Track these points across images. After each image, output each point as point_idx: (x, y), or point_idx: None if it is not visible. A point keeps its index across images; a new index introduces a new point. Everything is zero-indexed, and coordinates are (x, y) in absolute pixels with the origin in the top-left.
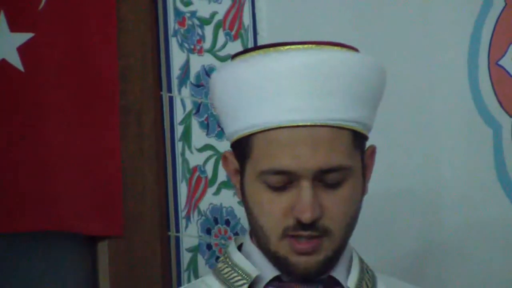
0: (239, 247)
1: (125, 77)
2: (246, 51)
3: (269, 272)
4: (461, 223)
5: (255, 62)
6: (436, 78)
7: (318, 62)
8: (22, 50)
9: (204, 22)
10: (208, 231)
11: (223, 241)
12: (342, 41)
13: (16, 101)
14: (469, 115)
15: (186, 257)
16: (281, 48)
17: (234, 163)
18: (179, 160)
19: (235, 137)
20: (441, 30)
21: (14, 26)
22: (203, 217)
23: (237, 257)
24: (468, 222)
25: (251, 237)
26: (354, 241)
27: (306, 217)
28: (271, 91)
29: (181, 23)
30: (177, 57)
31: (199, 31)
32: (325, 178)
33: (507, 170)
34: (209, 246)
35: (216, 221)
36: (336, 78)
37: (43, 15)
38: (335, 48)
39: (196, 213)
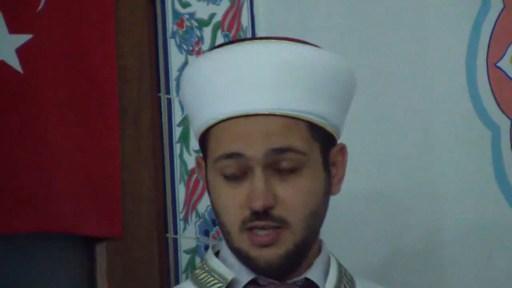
0: (217, 254)
1: (123, 78)
2: (211, 49)
3: (245, 275)
4: (460, 225)
5: (212, 57)
6: (435, 80)
7: (273, 54)
8: (21, 51)
9: (202, 23)
10: (206, 233)
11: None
12: (340, 43)
13: (14, 102)
14: (468, 117)
15: (184, 258)
16: (238, 43)
17: (203, 166)
18: (177, 162)
19: (198, 135)
20: (440, 32)
21: (13, 27)
22: (201, 219)
23: (214, 262)
24: (466, 224)
25: (223, 236)
26: (350, 242)
27: (258, 204)
28: (227, 84)
29: (180, 24)
30: (176, 58)
31: (198, 32)
32: (278, 164)
33: (505, 172)
34: (207, 248)
35: (214, 223)
36: (291, 70)
37: (41, 16)
38: (294, 43)
39: (194, 215)
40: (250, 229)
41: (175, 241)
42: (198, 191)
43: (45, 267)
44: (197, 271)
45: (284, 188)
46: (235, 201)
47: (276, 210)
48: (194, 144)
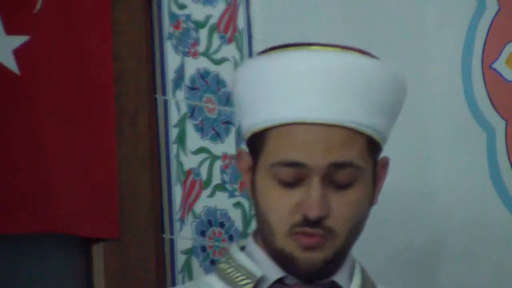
0: (241, 250)
1: (120, 79)
2: (272, 48)
3: (273, 272)
4: (455, 226)
5: (277, 59)
6: (430, 81)
7: (339, 64)
8: (18, 52)
9: (198, 25)
10: (203, 234)
11: (217, 244)
12: (338, 43)
13: (11, 104)
14: (463, 118)
15: (180, 259)
16: (305, 47)
17: (247, 161)
18: (173, 162)
19: (251, 131)
20: (435, 33)
21: (10, 28)
22: (198, 220)
23: (241, 258)
24: (461, 225)
25: (255, 238)
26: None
27: (314, 214)
28: (290, 89)
29: (176, 26)
30: (172, 60)
31: (194, 34)
32: (335, 177)
33: (500, 173)
34: (203, 249)
35: (210, 223)
36: (355, 82)
37: (38, 18)
38: (359, 54)
39: (190, 215)
40: (297, 233)
41: (172, 241)
42: (195, 192)
43: (42, 268)
44: (222, 265)
45: (338, 200)
46: (286, 205)
47: (328, 221)
48: (191, 145)
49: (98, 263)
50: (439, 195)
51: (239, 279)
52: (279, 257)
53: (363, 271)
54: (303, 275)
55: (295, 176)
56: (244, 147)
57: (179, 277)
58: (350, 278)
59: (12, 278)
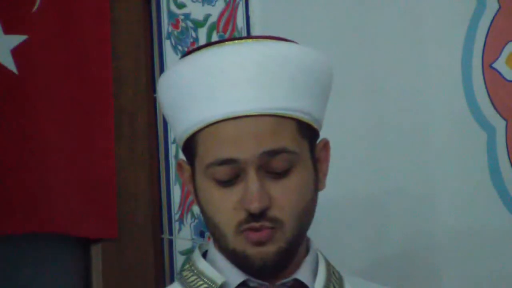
0: (204, 255)
1: (119, 79)
2: (187, 53)
3: (235, 277)
4: (455, 227)
5: (195, 60)
6: (430, 81)
7: (256, 54)
8: (16, 52)
9: (197, 24)
10: (201, 234)
11: None
12: (336, 44)
13: (9, 103)
14: (463, 118)
15: (179, 259)
16: (217, 45)
17: (187, 170)
18: (172, 162)
19: (183, 139)
20: (435, 32)
21: (8, 28)
22: (196, 220)
23: (202, 265)
24: (461, 225)
25: (214, 243)
26: (341, 244)
27: (254, 207)
28: (212, 86)
29: (175, 25)
30: (171, 59)
31: (193, 33)
32: (271, 166)
33: (501, 173)
34: None
35: None
36: (276, 68)
37: (37, 17)
38: (273, 40)
39: (189, 216)
40: (246, 230)
41: (171, 242)
42: None
43: (41, 268)
44: (184, 273)
45: (278, 188)
46: (229, 204)
47: (271, 211)
48: None
49: (97, 263)
50: (439, 195)
51: (201, 287)
52: (233, 258)
53: (327, 265)
54: (258, 271)
55: (231, 173)
56: (183, 157)
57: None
58: (314, 274)
59: (11, 278)
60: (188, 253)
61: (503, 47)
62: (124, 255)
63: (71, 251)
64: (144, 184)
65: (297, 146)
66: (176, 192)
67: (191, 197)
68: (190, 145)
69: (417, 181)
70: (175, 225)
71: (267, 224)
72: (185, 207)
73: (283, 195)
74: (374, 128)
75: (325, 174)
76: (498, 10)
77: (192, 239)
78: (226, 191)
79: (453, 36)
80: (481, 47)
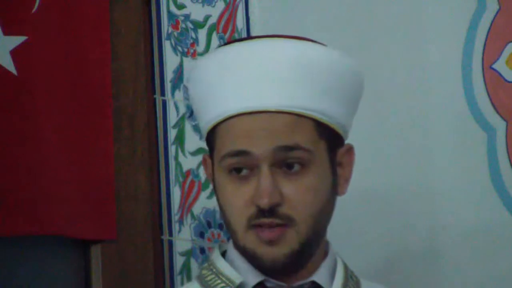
0: (223, 254)
1: (118, 80)
2: (221, 45)
3: (253, 277)
4: (455, 227)
5: (221, 55)
6: (430, 82)
7: (279, 51)
8: (15, 53)
9: (197, 25)
10: (201, 235)
11: (216, 245)
12: (335, 44)
13: (9, 104)
14: (463, 119)
15: (179, 261)
16: (244, 41)
17: (210, 164)
18: (172, 163)
19: (205, 130)
20: (435, 33)
21: (7, 29)
22: (196, 221)
23: (221, 264)
24: (462, 226)
25: (229, 234)
26: (347, 242)
27: (264, 202)
28: (233, 82)
29: (175, 26)
30: (171, 60)
31: (193, 34)
32: (284, 162)
33: (501, 174)
34: (202, 250)
35: (209, 225)
36: (297, 67)
37: (36, 18)
38: (301, 41)
39: (189, 216)
40: (256, 226)
41: (170, 243)
42: (193, 193)
43: (41, 269)
44: (203, 272)
45: (290, 186)
46: (241, 199)
47: (282, 208)
48: (189, 146)
49: (96, 264)
50: (439, 196)
51: (219, 286)
52: (244, 254)
53: (345, 268)
54: (269, 271)
55: (244, 164)
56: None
57: (177, 279)
58: (332, 278)
59: (11, 280)
60: (187, 254)
61: (503, 48)
62: (123, 256)
63: (71, 251)
64: (144, 185)
65: (313, 145)
66: (176, 193)
67: (191, 198)
68: (210, 139)
69: (417, 181)
70: (175, 226)
71: (277, 221)
72: (185, 208)
73: (296, 193)
74: (374, 128)
75: (347, 180)
76: (498, 11)
77: (192, 240)
78: (240, 186)
79: (454, 37)
80: (481, 48)
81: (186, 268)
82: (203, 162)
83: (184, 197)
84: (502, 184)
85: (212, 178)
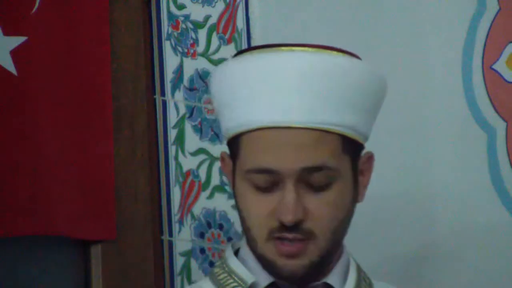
0: (236, 252)
1: (118, 80)
2: (244, 50)
3: (265, 278)
4: (455, 227)
5: (247, 62)
6: (430, 82)
7: (307, 64)
8: (15, 53)
9: (197, 25)
10: (201, 235)
11: (216, 245)
12: (336, 45)
13: (8, 105)
14: (464, 119)
15: (179, 261)
16: (273, 49)
17: (229, 164)
18: (172, 164)
19: (228, 135)
20: (435, 34)
21: (7, 29)
22: (196, 221)
23: (234, 263)
24: (462, 226)
25: (247, 242)
26: (348, 244)
27: (288, 219)
28: (259, 91)
29: (175, 26)
30: (171, 60)
31: (193, 34)
32: (310, 180)
33: (501, 174)
34: (202, 250)
35: (209, 225)
36: (325, 81)
37: (36, 18)
38: (330, 52)
39: (189, 217)
40: (276, 238)
41: (170, 243)
42: (193, 193)
43: (41, 270)
44: (216, 270)
45: (314, 202)
46: (263, 211)
47: (305, 224)
48: (189, 146)
49: (96, 265)
50: (439, 196)
51: (231, 286)
52: (262, 262)
53: (358, 270)
54: (287, 281)
55: (269, 181)
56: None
57: (177, 279)
58: (345, 279)
59: (11, 280)
60: (187, 254)
61: (503, 48)
62: (123, 256)
63: (71, 252)
64: (144, 185)
65: (338, 163)
66: (176, 193)
67: (191, 198)
68: (233, 144)
69: (417, 181)
70: (175, 226)
71: (299, 236)
72: (185, 208)
73: (319, 209)
74: (374, 128)
75: (365, 186)
76: (498, 12)
77: (192, 240)
78: (262, 197)
79: (454, 37)
80: (481, 49)
81: (186, 268)
82: (221, 159)
83: (184, 197)
84: (502, 184)
85: (231, 179)
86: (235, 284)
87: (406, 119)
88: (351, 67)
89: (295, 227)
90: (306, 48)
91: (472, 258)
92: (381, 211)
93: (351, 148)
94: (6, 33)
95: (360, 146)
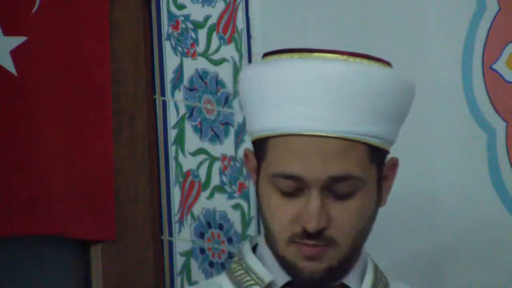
0: (253, 248)
1: (118, 80)
2: (275, 52)
3: (282, 277)
4: (455, 227)
5: (277, 66)
6: (430, 82)
7: (337, 73)
8: (15, 53)
9: (197, 25)
10: (201, 235)
11: (216, 245)
12: (334, 45)
13: (8, 105)
14: (464, 119)
15: (179, 261)
16: (305, 54)
17: (253, 162)
18: (172, 164)
19: (254, 136)
20: (435, 34)
21: (7, 29)
22: (196, 221)
23: (251, 260)
24: (462, 225)
25: (265, 239)
26: None
27: (312, 226)
28: (289, 97)
29: (175, 26)
30: (171, 60)
31: (193, 34)
32: (335, 188)
33: (501, 174)
34: (202, 250)
35: (209, 225)
36: (354, 90)
37: (36, 18)
38: (361, 60)
39: (189, 217)
40: (298, 242)
41: (170, 243)
42: (193, 193)
43: (41, 270)
44: (233, 266)
45: (338, 210)
46: (287, 215)
47: (328, 231)
48: (189, 146)
49: (96, 265)
50: (440, 196)
51: (248, 283)
52: (282, 263)
53: (375, 271)
54: (306, 282)
55: (295, 187)
56: (249, 147)
57: (177, 280)
58: (362, 279)
59: (11, 280)
60: (188, 254)
61: (503, 48)
62: (124, 256)
63: (71, 252)
64: (144, 185)
65: (364, 172)
66: (176, 193)
67: (191, 199)
68: (259, 147)
69: (417, 182)
70: (175, 227)
71: (320, 243)
72: (185, 208)
73: (342, 217)
74: None
75: (388, 191)
76: (498, 12)
77: (192, 240)
78: (287, 201)
79: (454, 37)
80: (481, 48)
81: (186, 268)
82: (245, 156)
83: (184, 197)
84: (502, 184)
85: (255, 175)
86: (252, 282)
87: (406, 119)
88: (380, 75)
89: (318, 234)
90: (336, 56)
91: (473, 256)
92: (381, 210)
93: (377, 156)
94: (6, 33)
95: (385, 152)
